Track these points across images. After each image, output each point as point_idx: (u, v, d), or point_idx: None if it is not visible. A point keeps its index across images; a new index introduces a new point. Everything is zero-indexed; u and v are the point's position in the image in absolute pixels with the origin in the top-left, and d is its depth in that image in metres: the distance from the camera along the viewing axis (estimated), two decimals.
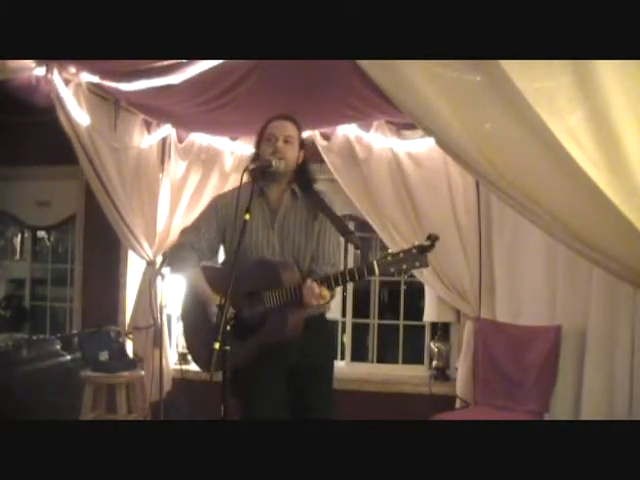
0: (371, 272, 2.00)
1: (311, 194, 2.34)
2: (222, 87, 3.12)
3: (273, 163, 2.22)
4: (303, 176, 2.37)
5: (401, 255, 1.96)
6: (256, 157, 2.32)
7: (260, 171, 2.22)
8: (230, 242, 2.33)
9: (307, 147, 2.42)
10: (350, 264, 2.21)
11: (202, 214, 2.45)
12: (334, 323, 4.31)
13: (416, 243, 1.96)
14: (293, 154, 2.31)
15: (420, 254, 1.94)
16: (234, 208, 2.19)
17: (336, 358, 2.52)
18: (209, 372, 1.81)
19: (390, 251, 2.02)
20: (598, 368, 3.15)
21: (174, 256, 2.41)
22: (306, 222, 2.32)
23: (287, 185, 2.35)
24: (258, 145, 2.35)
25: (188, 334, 2.46)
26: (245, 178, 2.13)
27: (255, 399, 2.28)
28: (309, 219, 2.32)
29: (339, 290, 2.34)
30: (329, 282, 2.07)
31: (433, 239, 1.92)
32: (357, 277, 2.04)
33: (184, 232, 2.46)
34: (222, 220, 2.36)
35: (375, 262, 1.98)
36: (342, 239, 2.26)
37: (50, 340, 3.92)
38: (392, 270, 1.97)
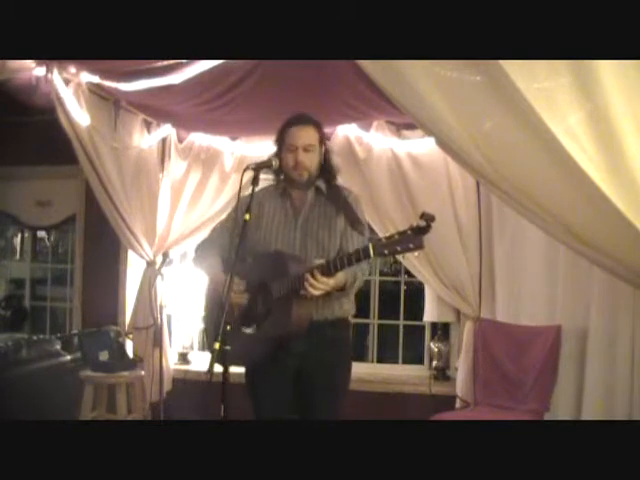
0: (366, 255, 1.97)
1: (334, 189, 2.36)
2: (222, 87, 3.12)
3: (273, 163, 2.24)
4: (326, 172, 2.38)
5: (396, 237, 1.91)
6: (276, 156, 2.33)
7: (263, 171, 2.23)
8: (253, 240, 2.34)
9: (327, 142, 2.43)
10: None
11: (230, 213, 2.54)
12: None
13: (414, 224, 1.90)
14: (315, 161, 2.32)
15: (415, 235, 1.89)
16: (254, 207, 2.21)
17: (348, 364, 2.48)
18: (209, 367, 1.82)
19: (385, 234, 1.98)
20: (598, 368, 3.15)
21: (201, 252, 2.51)
22: (330, 218, 2.33)
23: (309, 185, 2.37)
24: (278, 150, 2.35)
25: (208, 323, 2.51)
26: (247, 176, 2.13)
27: (265, 400, 2.31)
28: (333, 215, 2.33)
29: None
30: (328, 268, 2.06)
31: (427, 219, 1.84)
32: (353, 261, 2.02)
33: (214, 230, 2.57)
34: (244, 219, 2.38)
35: (370, 244, 1.96)
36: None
37: (50, 340, 3.92)
38: (387, 252, 1.93)
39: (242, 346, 1.94)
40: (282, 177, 2.38)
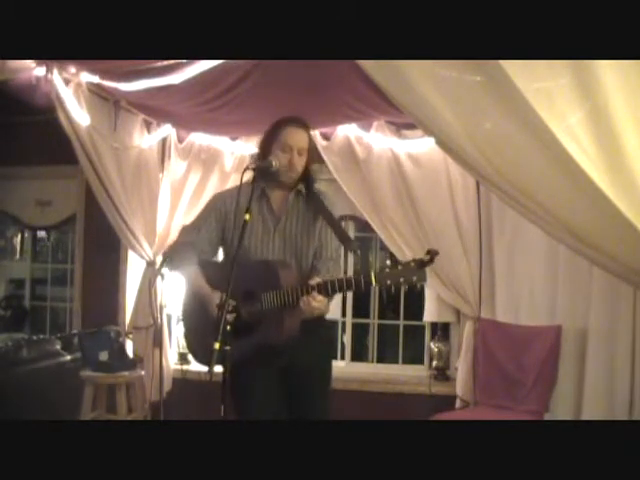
0: (368, 284, 1.99)
1: (313, 195, 2.35)
2: (222, 87, 3.12)
3: (273, 163, 2.22)
4: (306, 177, 2.36)
5: (399, 268, 1.96)
6: (261, 157, 2.30)
7: (261, 172, 2.22)
8: (230, 241, 2.32)
9: (312, 149, 2.42)
10: (350, 267, 2.22)
11: (202, 213, 2.45)
12: (334, 323, 4.32)
13: (417, 257, 1.96)
14: (303, 164, 2.32)
15: (418, 269, 1.94)
16: (234, 207, 2.20)
17: (334, 359, 2.50)
18: (208, 367, 1.82)
19: (388, 263, 2.01)
20: (598, 368, 3.15)
21: (173, 254, 2.41)
22: (308, 222, 2.33)
23: (291, 188, 2.35)
24: (267, 147, 2.30)
25: (187, 331, 2.47)
26: (246, 177, 2.12)
27: (250, 399, 2.29)
28: (311, 219, 2.32)
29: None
30: (326, 289, 2.07)
31: (433, 254, 1.92)
32: (354, 287, 2.04)
33: (184, 230, 2.47)
34: (222, 219, 2.36)
35: (373, 274, 1.98)
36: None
37: (50, 340, 3.92)
38: (389, 283, 1.96)
39: (230, 353, 1.92)
40: (262, 176, 2.28)
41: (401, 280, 1.95)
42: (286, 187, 2.34)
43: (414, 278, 1.94)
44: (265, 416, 2.26)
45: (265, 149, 2.31)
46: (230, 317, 2.17)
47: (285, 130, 2.28)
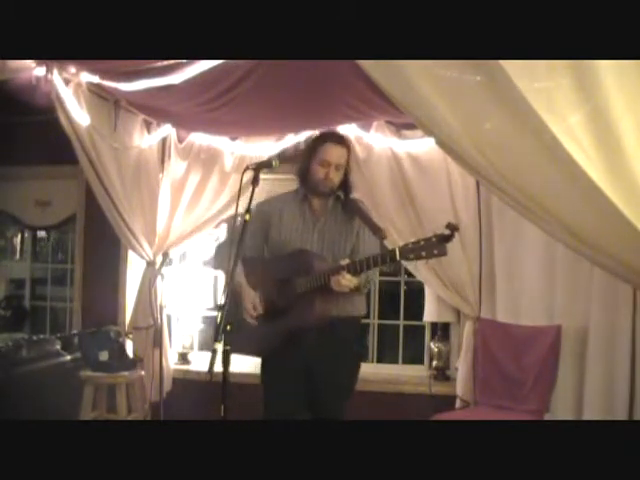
0: (393, 258, 2.10)
1: (350, 200, 2.53)
2: (222, 87, 3.12)
3: (273, 163, 2.25)
4: (346, 185, 2.54)
5: (422, 243, 2.05)
6: (302, 169, 2.49)
7: (261, 170, 2.28)
8: (273, 241, 2.53)
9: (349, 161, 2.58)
10: None
11: (253, 214, 2.66)
12: None
13: (437, 232, 2.05)
14: (340, 176, 2.49)
15: (439, 243, 2.02)
16: (275, 211, 2.51)
17: (358, 362, 2.66)
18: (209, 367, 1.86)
19: (412, 240, 2.11)
20: (598, 368, 3.15)
21: (219, 252, 2.70)
22: (346, 222, 2.50)
23: (330, 195, 2.53)
24: (307, 160, 2.48)
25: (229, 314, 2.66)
26: (246, 177, 2.16)
27: (276, 393, 2.46)
28: (348, 219, 2.50)
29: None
30: (354, 268, 2.18)
31: (452, 228, 1.99)
32: (380, 262, 2.15)
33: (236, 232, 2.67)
34: (265, 222, 2.55)
35: (397, 248, 2.10)
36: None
37: (50, 340, 3.92)
38: (412, 256, 2.07)
39: (259, 337, 2.05)
40: (303, 184, 2.54)
41: (423, 254, 2.05)
42: (325, 195, 2.51)
43: (435, 251, 2.03)
44: (286, 407, 2.40)
45: (305, 162, 2.50)
46: (261, 307, 2.41)
47: (324, 146, 2.45)
